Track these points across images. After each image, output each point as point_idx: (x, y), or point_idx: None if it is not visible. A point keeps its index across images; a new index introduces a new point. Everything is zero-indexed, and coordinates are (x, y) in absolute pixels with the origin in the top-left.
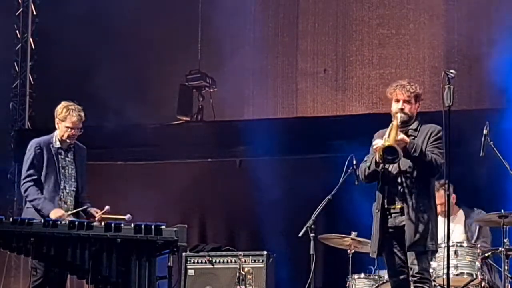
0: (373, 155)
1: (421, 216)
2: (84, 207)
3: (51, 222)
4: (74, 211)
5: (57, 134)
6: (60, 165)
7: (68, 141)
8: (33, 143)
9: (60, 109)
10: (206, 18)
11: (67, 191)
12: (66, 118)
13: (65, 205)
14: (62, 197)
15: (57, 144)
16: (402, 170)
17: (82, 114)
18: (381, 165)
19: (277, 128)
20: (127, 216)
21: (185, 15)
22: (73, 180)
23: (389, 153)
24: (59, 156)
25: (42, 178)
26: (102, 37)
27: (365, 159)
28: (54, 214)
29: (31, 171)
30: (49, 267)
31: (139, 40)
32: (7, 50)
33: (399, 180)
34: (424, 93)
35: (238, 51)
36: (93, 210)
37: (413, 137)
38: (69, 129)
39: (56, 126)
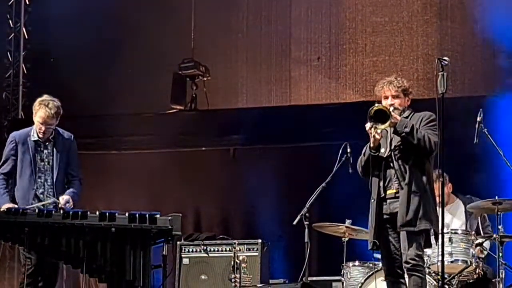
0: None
1: (414, 197)
2: (49, 200)
3: (45, 211)
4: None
5: (35, 126)
6: (37, 158)
7: (40, 135)
8: (10, 136)
9: (36, 102)
10: (199, 7)
11: (48, 184)
12: (37, 113)
13: (48, 199)
14: (43, 190)
15: (35, 137)
16: (393, 147)
17: (53, 111)
18: (375, 150)
19: (271, 116)
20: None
21: (178, 4)
22: (54, 172)
23: (379, 116)
24: (38, 148)
25: (18, 172)
26: (95, 26)
27: (363, 152)
28: (4, 207)
29: (3, 166)
30: (41, 256)
31: (132, 28)
32: (0, 40)
33: (391, 163)
34: (418, 80)
35: (231, 40)
36: (61, 197)
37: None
38: (39, 124)
39: (33, 118)
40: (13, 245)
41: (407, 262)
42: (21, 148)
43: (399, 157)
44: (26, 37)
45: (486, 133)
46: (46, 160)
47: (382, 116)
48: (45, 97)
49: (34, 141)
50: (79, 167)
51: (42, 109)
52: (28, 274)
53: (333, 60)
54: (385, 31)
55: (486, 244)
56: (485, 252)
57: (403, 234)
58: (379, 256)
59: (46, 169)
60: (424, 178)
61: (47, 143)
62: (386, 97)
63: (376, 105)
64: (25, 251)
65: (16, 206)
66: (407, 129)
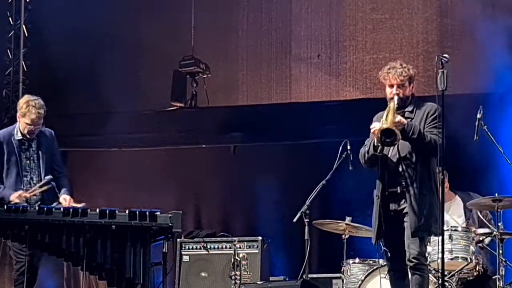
0: (372, 139)
1: (424, 201)
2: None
3: (45, 209)
4: (38, 190)
5: (18, 126)
6: (22, 157)
7: (28, 136)
8: None
9: (21, 103)
10: (200, 4)
11: (34, 182)
12: (25, 114)
13: (34, 197)
14: (29, 188)
15: (19, 136)
16: (402, 156)
17: (41, 111)
18: (379, 149)
19: (271, 113)
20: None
21: (178, 1)
22: (39, 170)
23: (387, 135)
24: (22, 147)
25: (4, 172)
26: (95, 23)
27: (365, 143)
28: (14, 196)
29: None
30: (33, 254)
31: (132, 26)
32: (0, 37)
33: (399, 168)
34: (418, 77)
35: (232, 37)
36: (62, 198)
37: (410, 119)
38: (28, 126)
39: (17, 119)
40: (13, 243)
41: (410, 261)
42: (6, 147)
43: (407, 162)
44: (26, 34)
45: (486, 130)
46: (31, 158)
47: (389, 134)
48: (29, 97)
49: (18, 140)
50: (63, 162)
51: (32, 110)
52: (22, 272)
53: (333, 58)
54: (386, 28)
55: (487, 240)
56: (486, 242)
57: (408, 232)
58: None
59: (31, 168)
60: (431, 179)
61: (31, 142)
62: (391, 85)
63: (384, 126)
64: (16, 251)
65: (22, 192)
66: (415, 136)
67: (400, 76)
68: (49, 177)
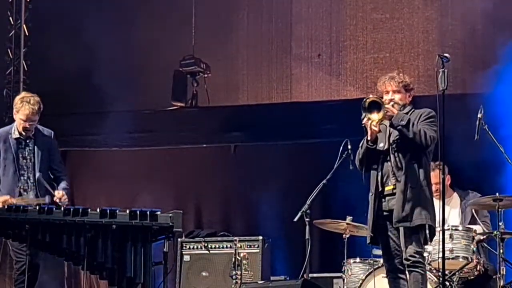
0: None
1: (410, 192)
2: (43, 198)
3: (46, 208)
4: (30, 202)
5: (16, 124)
6: (20, 155)
7: (23, 133)
8: None
9: (16, 99)
10: (200, 3)
11: (31, 181)
12: (20, 110)
13: (31, 196)
14: (26, 187)
15: (16, 134)
16: (391, 141)
17: (36, 107)
18: (371, 142)
19: (272, 113)
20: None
21: (178, 1)
22: (36, 169)
23: (373, 107)
24: (19, 146)
25: (1, 170)
26: (97, 23)
27: (360, 144)
28: None
29: None
30: (33, 253)
31: (133, 26)
32: (0, 36)
33: (389, 157)
34: (418, 77)
35: (232, 36)
36: (56, 192)
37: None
38: (23, 121)
39: (14, 116)
40: (13, 242)
41: (406, 259)
42: (3, 146)
43: (396, 151)
44: (27, 34)
45: (487, 129)
46: (28, 157)
47: (376, 107)
48: (25, 93)
49: (16, 138)
50: (63, 163)
51: (25, 106)
52: (22, 271)
53: (334, 57)
54: (386, 28)
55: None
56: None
57: (402, 231)
58: (376, 252)
59: (28, 167)
60: (421, 173)
61: (28, 141)
62: (387, 92)
63: (371, 96)
64: (16, 251)
65: (7, 197)
66: (403, 122)
67: (396, 82)
68: (48, 200)
